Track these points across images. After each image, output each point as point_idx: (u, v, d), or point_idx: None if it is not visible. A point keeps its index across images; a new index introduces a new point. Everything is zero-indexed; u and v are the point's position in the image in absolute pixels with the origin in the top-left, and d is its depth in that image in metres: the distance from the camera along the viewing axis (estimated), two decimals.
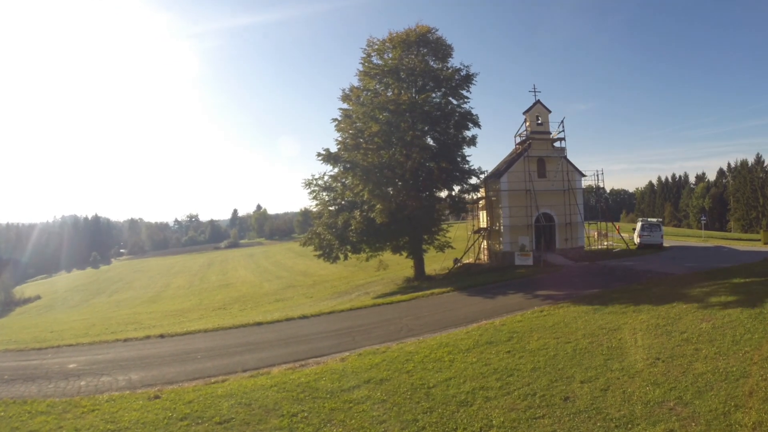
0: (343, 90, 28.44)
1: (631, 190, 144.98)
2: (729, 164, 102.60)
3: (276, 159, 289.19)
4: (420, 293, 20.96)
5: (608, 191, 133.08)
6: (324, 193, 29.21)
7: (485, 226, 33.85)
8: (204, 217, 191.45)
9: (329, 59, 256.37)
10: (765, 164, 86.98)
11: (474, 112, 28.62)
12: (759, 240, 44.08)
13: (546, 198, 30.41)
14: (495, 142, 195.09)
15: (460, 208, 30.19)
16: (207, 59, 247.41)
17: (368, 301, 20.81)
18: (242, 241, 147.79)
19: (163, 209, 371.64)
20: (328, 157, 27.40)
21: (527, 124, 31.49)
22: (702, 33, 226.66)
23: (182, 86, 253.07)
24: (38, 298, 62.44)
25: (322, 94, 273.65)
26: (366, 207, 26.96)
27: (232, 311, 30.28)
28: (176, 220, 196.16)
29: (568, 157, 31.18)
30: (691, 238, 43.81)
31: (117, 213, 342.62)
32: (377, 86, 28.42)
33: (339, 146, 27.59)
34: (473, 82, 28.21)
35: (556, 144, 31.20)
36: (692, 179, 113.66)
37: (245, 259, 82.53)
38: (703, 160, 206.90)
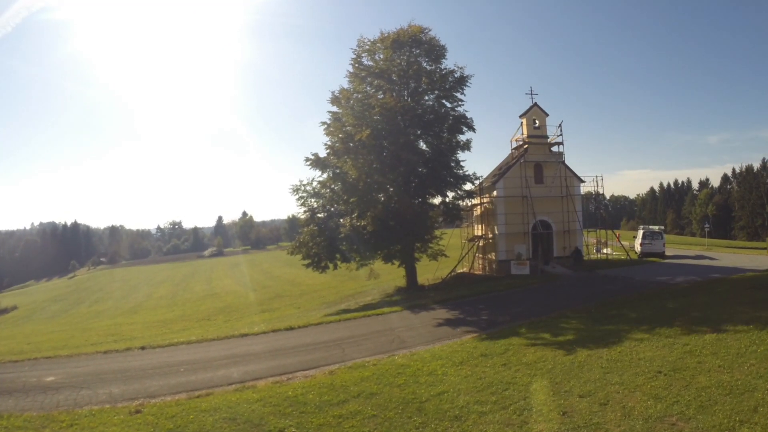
0: (333, 92, 27.78)
1: (632, 196, 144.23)
2: (734, 170, 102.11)
3: (263, 164, 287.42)
4: (412, 303, 20.75)
5: (608, 198, 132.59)
6: (312, 200, 28.46)
7: (480, 233, 33.56)
8: (187, 225, 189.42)
9: (320, 61, 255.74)
10: None
11: (468, 115, 28.12)
12: (765, 248, 42.63)
13: (543, 205, 30.01)
14: (490, 147, 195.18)
15: (454, 215, 29.56)
16: (195, 61, 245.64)
17: (358, 312, 20.55)
18: (227, 250, 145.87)
19: (145, 216, 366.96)
20: (317, 162, 26.96)
21: (524, 127, 31.19)
22: (706, 35, 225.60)
23: (169, 88, 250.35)
24: (15, 308, 60.97)
25: (312, 96, 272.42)
26: (356, 214, 26.62)
27: (216, 322, 29.70)
28: (158, 227, 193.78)
29: (567, 162, 30.91)
30: (695, 247, 43.89)
31: (97, 220, 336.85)
32: (368, 88, 27.91)
33: (328, 150, 27.17)
34: (468, 84, 27.80)
35: (554, 148, 30.93)
36: (695, 185, 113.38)
37: (230, 268, 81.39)
38: (707, 166, 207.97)
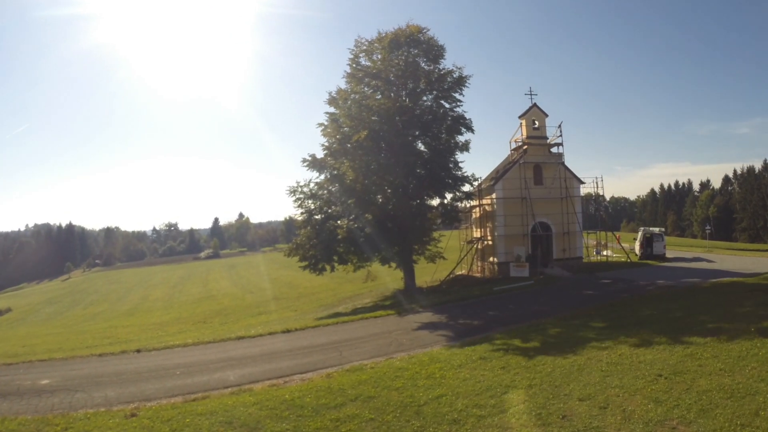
0: (330, 93, 27.53)
1: (632, 198, 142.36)
2: (735, 171, 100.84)
3: (259, 165, 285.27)
4: (410, 306, 20.65)
5: (608, 199, 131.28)
6: (309, 201, 28.28)
7: (479, 235, 33.40)
8: (183, 226, 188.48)
9: (317, 61, 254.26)
10: None
11: (467, 116, 27.80)
12: (767, 251, 41.73)
13: (543, 206, 29.86)
14: (489, 148, 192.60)
15: (452, 217, 29.31)
16: (189, 61, 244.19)
17: (355, 315, 20.48)
18: (223, 252, 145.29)
19: (141, 217, 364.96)
20: (314, 164, 26.84)
21: (523, 128, 31.07)
22: (706, 34, 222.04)
23: (163, 88, 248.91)
24: (9, 310, 60.42)
25: (310, 97, 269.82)
26: (353, 216, 26.49)
27: (212, 325, 29.53)
28: (154, 229, 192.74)
29: (566, 163, 30.73)
30: (696, 249, 43.89)
31: (92, 221, 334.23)
32: (365, 89, 27.61)
33: (325, 152, 27.06)
34: (466, 84, 27.53)
35: (554, 149, 30.79)
36: (696, 187, 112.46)
37: (227, 270, 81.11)
38: (708, 167, 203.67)
